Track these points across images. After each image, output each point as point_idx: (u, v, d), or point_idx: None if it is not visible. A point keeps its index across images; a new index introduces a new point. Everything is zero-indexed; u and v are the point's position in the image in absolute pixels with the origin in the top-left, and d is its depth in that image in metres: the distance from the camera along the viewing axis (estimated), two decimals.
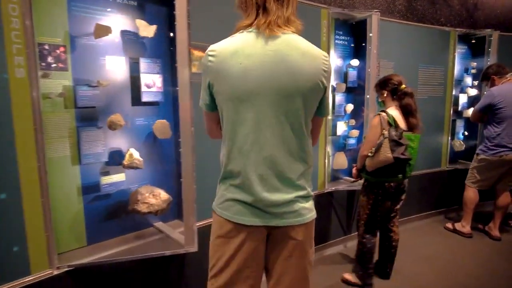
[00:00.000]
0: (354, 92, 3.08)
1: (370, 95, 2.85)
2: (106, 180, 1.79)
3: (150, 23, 1.77)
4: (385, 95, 2.33)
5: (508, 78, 3.17)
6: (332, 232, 3.00)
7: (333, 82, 2.94)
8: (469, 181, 3.32)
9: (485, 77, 3.29)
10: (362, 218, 2.36)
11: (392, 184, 2.22)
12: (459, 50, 3.77)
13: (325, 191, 2.89)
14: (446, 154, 3.71)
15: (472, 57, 3.85)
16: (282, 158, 1.13)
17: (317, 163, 2.79)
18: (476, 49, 3.80)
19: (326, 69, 1.17)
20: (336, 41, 2.95)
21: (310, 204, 1.24)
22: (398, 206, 2.40)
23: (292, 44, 1.12)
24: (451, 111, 3.68)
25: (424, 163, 3.56)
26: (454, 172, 3.72)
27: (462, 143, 3.76)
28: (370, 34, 2.86)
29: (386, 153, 2.09)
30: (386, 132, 2.12)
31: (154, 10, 1.90)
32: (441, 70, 3.54)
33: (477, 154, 3.26)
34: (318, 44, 2.58)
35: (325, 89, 1.20)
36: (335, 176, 3.13)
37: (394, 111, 2.22)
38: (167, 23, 1.92)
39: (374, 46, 2.79)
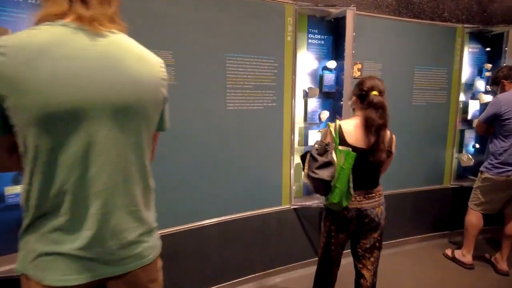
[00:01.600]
0: (332, 97, 2.76)
1: (345, 101, 2.52)
2: (11, 190, 1.70)
3: None
4: (353, 101, 1.91)
5: None
6: (296, 254, 2.71)
7: (305, 86, 2.65)
8: (472, 202, 2.84)
9: (494, 82, 2.80)
10: (320, 247, 2.01)
11: (345, 211, 1.83)
12: (471, 50, 3.27)
13: (291, 207, 2.60)
14: (450, 170, 3.22)
15: (488, 58, 3.32)
16: (120, 191, 0.90)
17: (280, 176, 2.52)
18: (492, 48, 3.27)
19: (164, 77, 0.99)
20: (310, 40, 2.64)
21: (154, 240, 1.02)
22: (368, 246, 1.85)
23: (124, 47, 0.91)
24: (457, 120, 3.19)
25: (422, 179, 3.12)
26: (460, 190, 3.23)
27: (470, 157, 3.25)
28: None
29: (305, 169, 1.79)
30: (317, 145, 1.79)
31: None
32: (444, 73, 3.08)
33: (481, 172, 2.79)
34: (282, 45, 2.32)
35: (164, 100, 1.00)
36: (309, 190, 2.82)
37: (350, 122, 1.83)
38: None
39: (348, 46, 2.46)
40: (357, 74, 2.71)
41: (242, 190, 2.38)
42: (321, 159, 1.72)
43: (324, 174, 1.70)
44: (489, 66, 3.21)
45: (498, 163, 2.65)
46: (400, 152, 2.95)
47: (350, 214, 1.80)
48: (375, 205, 1.82)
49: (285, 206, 2.58)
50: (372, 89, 1.75)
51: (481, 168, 2.78)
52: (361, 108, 1.79)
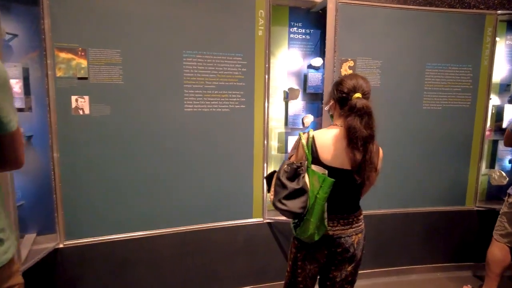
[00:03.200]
0: (318, 99, 2.42)
1: (325, 105, 2.18)
2: None
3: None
4: (331, 106, 1.50)
5: None
6: (271, 273, 2.42)
7: (286, 86, 2.36)
8: (497, 232, 2.29)
9: None
10: (284, 276, 1.65)
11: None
12: (509, 42, 2.65)
13: (264, 221, 2.33)
14: (474, 188, 2.65)
15: None
16: None
17: (251, 186, 2.27)
18: None
19: None
20: (293, 35, 2.34)
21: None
22: (338, 279, 1.50)
23: None
24: (487, 128, 2.61)
25: (437, 198, 2.61)
26: (489, 214, 2.63)
27: (503, 174, 2.63)
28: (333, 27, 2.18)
29: (270, 196, 1.43)
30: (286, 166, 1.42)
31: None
32: (468, 71, 2.53)
33: (508, 195, 2.22)
34: (252, 41, 2.10)
35: None
36: None
37: (327, 134, 1.41)
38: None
39: (330, 39, 2.12)
40: (348, 72, 2.34)
41: (205, 200, 2.18)
42: (291, 186, 1.34)
43: (295, 205, 1.33)
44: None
45: None
46: (408, 164, 2.51)
47: (320, 242, 1.45)
48: (351, 232, 1.45)
49: (256, 220, 2.32)
50: (355, 90, 1.36)
51: (509, 190, 2.22)
52: (341, 115, 1.40)
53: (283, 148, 2.41)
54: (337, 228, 1.44)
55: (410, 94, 2.47)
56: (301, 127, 2.40)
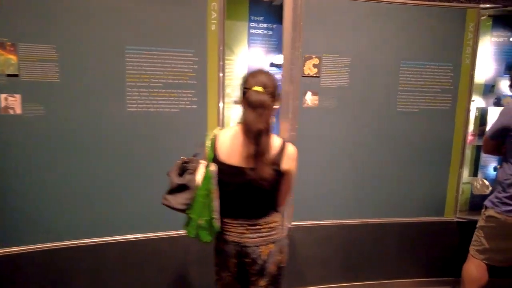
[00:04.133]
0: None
1: (283, 103, 2.00)
2: None
3: None
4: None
5: None
6: None
7: None
8: (473, 248, 2.08)
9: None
10: None
11: (221, 244, 1.41)
12: (495, 39, 2.43)
13: None
14: (454, 198, 2.44)
15: None
16: None
17: None
18: None
19: None
20: (253, 30, 2.17)
21: None
22: None
23: None
24: (469, 132, 2.40)
25: (413, 208, 2.41)
26: (469, 225, 2.40)
27: (486, 183, 2.42)
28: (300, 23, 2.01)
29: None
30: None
31: None
32: (448, 70, 2.31)
33: (485, 208, 2.02)
34: (204, 36, 1.95)
35: None
36: None
37: (229, 131, 1.40)
38: None
39: (286, 34, 1.93)
40: (312, 71, 2.15)
41: (152, 207, 2.02)
42: (174, 181, 1.33)
43: (177, 201, 1.33)
44: None
45: (506, 197, 1.88)
46: (382, 171, 2.32)
47: (228, 249, 1.39)
48: (259, 242, 1.36)
49: None
50: (256, 85, 1.31)
51: (486, 202, 2.01)
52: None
53: None
54: (244, 235, 1.35)
55: (383, 95, 2.27)
56: None
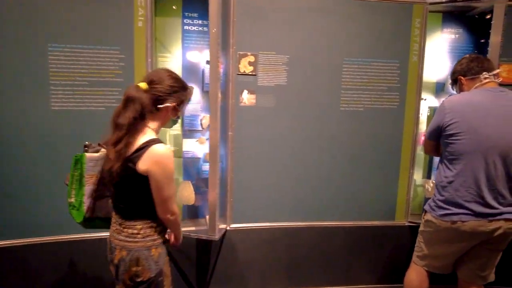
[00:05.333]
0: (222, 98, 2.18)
1: (211, 102, 1.94)
2: None
3: None
4: None
5: (484, 81, 1.73)
6: None
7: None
8: (415, 253, 1.97)
9: (452, 79, 1.90)
10: None
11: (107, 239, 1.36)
12: (447, 36, 2.32)
13: None
14: (406, 201, 2.33)
15: (477, 46, 2.32)
16: None
17: None
18: (480, 33, 2.26)
19: None
20: (187, 27, 2.12)
21: None
22: None
23: None
24: (419, 133, 2.29)
25: (362, 212, 2.31)
26: None
27: None
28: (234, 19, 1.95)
29: None
30: None
31: None
32: (395, 67, 2.22)
33: (424, 212, 1.91)
34: (130, 33, 1.93)
35: None
36: (191, 213, 2.29)
37: None
38: None
39: (214, 31, 1.87)
40: (248, 69, 2.09)
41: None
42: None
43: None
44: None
45: (441, 200, 1.77)
46: (326, 172, 2.24)
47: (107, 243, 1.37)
48: (117, 244, 1.28)
49: None
50: (142, 81, 1.30)
51: (425, 206, 1.91)
52: None
53: (180, 152, 2.19)
54: (113, 233, 1.31)
55: (325, 94, 2.18)
56: (200, 128, 2.17)
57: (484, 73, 1.73)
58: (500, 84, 2.13)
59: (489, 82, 1.73)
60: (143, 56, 1.96)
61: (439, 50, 2.32)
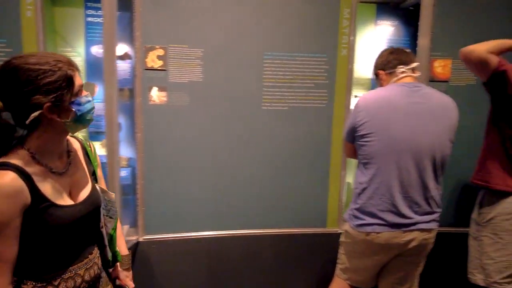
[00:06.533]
0: (130, 96, 1.99)
1: (106, 99, 1.74)
2: None
3: None
4: None
5: (401, 76, 1.57)
6: None
7: (84, 81, 1.93)
8: (338, 266, 1.81)
9: (374, 72, 1.73)
10: None
11: None
12: (382, 28, 2.16)
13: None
14: (338, 207, 2.16)
15: (412, 38, 2.15)
16: None
17: None
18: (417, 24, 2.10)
19: None
20: (91, 18, 1.92)
21: None
22: None
23: None
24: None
25: (290, 218, 2.13)
26: None
27: None
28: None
29: None
30: None
31: None
32: (322, 62, 2.04)
33: (344, 220, 1.74)
34: (18, 24, 1.73)
35: None
36: None
37: None
38: None
39: (107, 20, 1.67)
40: (156, 63, 1.89)
41: None
42: None
43: None
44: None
45: (356, 209, 1.60)
46: (247, 176, 2.06)
47: None
48: None
49: None
50: None
51: (344, 215, 1.74)
52: None
53: None
54: None
55: (244, 91, 2.00)
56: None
57: (400, 66, 1.56)
58: (433, 81, 2.01)
59: (406, 76, 1.56)
60: (34, 48, 1.75)
61: (374, 44, 2.15)
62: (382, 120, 1.45)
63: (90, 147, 1.17)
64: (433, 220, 1.53)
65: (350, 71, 2.04)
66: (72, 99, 0.93)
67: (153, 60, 1.89)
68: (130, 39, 1.90)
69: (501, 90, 1.59)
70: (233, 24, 1.95)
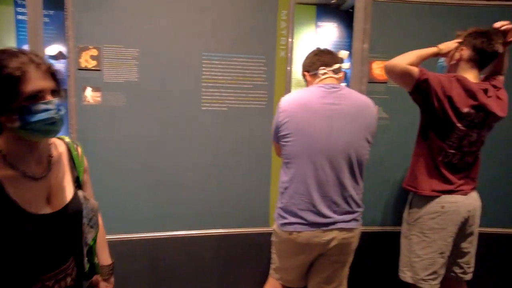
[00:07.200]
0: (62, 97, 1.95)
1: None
2: None
3: None
4: None
5: (323, 77, 1.59)
6: None
7: None
8: (271, 266, 1.82)
9: (302, 73, 1.75)
10: None
11: None
12: (322, 30, 2.18)
13: None
14: None
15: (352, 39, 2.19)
16: None
17: None
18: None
19: None
20: (22, 16, 1.89)
21: None
22: None
23: None
24: None
25: (233, 219, 2.14)
26: None
27: None
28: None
29: None
30: None
31: None
32: (261, 64, 2.06)
33: (274, 219, 1.76)
34: None
35: None
36: None
37: None
38: None
39: (32, 19, 1.65)
40: (90, 64, 1.88)
41: None
42: None
43: None
44: (345, 54, 2.09)
45: (281, 208, 1.62)
46: (188, 177, 2.05)
47: None
48: None
49: None
50: None
51: (274, 214, 1.75)
52: None
53: None
54: None
55: (183, 92, 2.00)
56: None
57: (322, 67, 1.58)
58: (371, 82, 2.04)
59: (328, 77, 1.59)
60: None
61: (314, 45, 2.17)
62: (299, 121, 1.47)
63: (77, 151, 1.10)
64: (354, 220, 1.55)
65: (288, 73, 2.07)
66: (24, 104, 0.81)
67: (86, 60, 1.87)
68: (61, 39, 1.87)
69: (425, 98, 1.63)
70: (170, 23, 1.94)
